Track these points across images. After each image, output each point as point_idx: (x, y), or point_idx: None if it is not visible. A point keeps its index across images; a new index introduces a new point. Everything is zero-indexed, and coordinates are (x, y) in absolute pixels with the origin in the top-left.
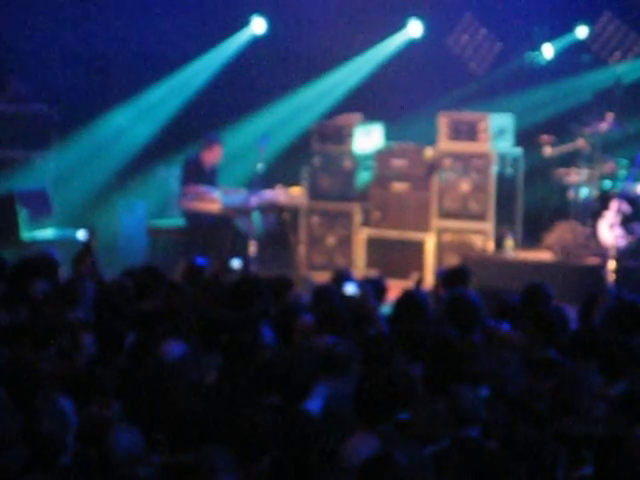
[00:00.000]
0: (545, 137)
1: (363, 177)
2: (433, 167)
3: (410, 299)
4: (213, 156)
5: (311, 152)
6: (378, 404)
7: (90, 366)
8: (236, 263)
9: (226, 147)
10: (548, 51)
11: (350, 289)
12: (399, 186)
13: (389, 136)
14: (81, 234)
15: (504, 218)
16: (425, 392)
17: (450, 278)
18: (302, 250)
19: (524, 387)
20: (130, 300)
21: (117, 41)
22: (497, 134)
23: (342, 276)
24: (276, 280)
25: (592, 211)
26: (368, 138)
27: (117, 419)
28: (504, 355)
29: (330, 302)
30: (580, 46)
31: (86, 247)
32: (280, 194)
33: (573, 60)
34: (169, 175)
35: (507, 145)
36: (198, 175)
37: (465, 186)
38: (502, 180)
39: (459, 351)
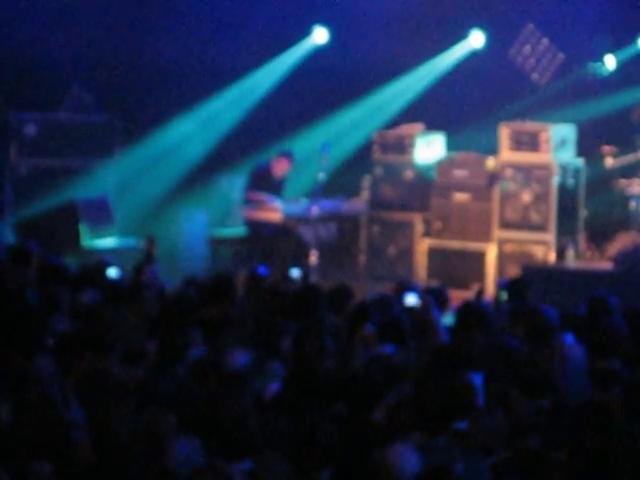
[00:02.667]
0: (607, 148)
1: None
2: (494, 177)
3: (471, 309)
4: (280, 168)
5: (372, 162)
6: (437, 414)
7: (152, 375)
8: (296, 273)
9: (293, 161)
10: (610, 62)
11: (411, 299)
12: (460, 196)
13: (450, 146)
14: (141, 243)
15: (565, 229)
16: (485, 403)
17: (512, 289)
18: (362, 260)
19: (587, 398)
20: (193, 309)
21: (179, 51)
22: (559, 145)
23: (404, 286)
24: (337, 290)
25: None
26: (429, 148)
27: (175, 430)
28: (568, 366)
29: (390, 312)
30: None
31: (146, 255)
32: (341, 204)
33: (635, 71)
34: (230, 185)
35: (569, 156)
36: (265, 183)
37: (526, 197)
38: (563, 191)
39: (520, 362)
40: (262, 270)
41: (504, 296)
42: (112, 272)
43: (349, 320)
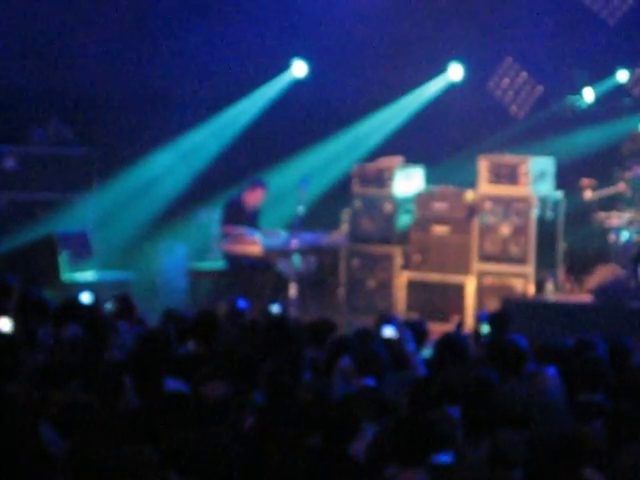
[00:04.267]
0: (586, 181)
1: (404, 220)
2: (473, 210)
3: (450, 342)
4: (255, 198)
5: (352, 195)
6: (415, 448)
7: (130, 408)
8: (275, 308)
9: (267, 189)
10: (589, 95)
11: (389, 332)
12: (439, 229)
13: (429, 179)
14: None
15: (545, 261)
16: (464, 436)
17: (494, 322)
18: (342, 293)
19: (568, 431)
20: (171, 343)
21: (158, 84)
22: (538, 177)
23: (385, 319)
24: (319, 323)
25: (633, 254)
26: (409, 181)
27: (155, 465)
28: (547, 399)
29: (368, 345)
30: (621, 90)
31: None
32: (321, 237)
33: (614, 104)
34: (209, 218)
35: (548, 188)
36: (238, 216)
37: (505, 229)
38: (543, 223)
39: (499, 395)
40: (242, 304)
41: (485, 329)
42: (86, 298)
43: (328, 353)
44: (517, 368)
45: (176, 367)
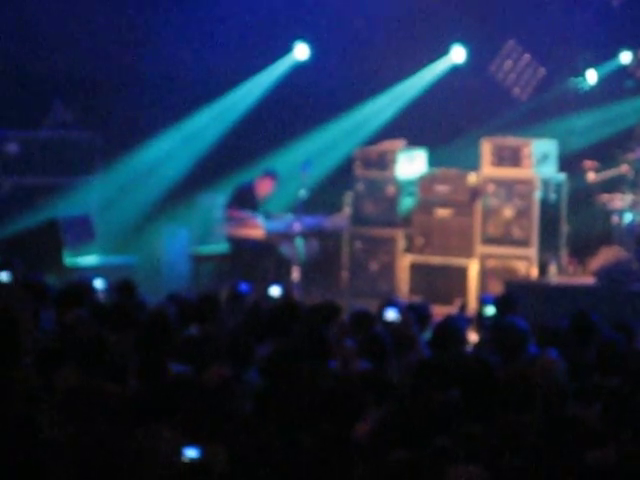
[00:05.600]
0: (589, 163)
1: (406, 203)
2: (476, 193)
3: (449, 325)
4: (264, 188)
5: (354, 178)
6: (420, 430)
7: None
8: (276, 290)
9: (277, 181)
10: (592, 77)
11: (391, 315)
12: (442, 212)
13: (432, 162)
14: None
15: (548, 244)
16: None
17: (499, 304)
18: (345, 276)
19: (569, 414)
20: (173, 326)
21: (161, 68)
22: (541, 160)
23: (388, 302)
24: (324, 306)
25: (636, 236)
26: (411, 164)
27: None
28: (548, 382)
29: (371, 328)
30: (624, 72)
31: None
32: (323, 220)
33: (617, 86)
34: (212, 202)
35: (551, 171)
36: (247, 202)
37: (508, 212)
38: (546, 206)
39: (498, 378)
40: (244, 287)
41: (489, 311)
42: (99, 284)
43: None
44: (518, 351)
45: (180, 350)
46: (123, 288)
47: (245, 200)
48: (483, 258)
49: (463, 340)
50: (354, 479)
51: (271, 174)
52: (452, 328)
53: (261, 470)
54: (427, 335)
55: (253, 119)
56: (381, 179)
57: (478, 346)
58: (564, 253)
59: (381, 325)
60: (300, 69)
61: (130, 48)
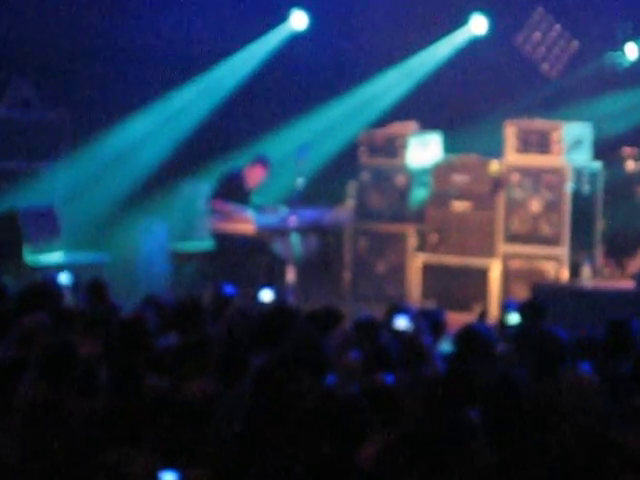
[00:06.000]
0: (628, 150)
1: (418, 195)
2: (499, 183)
3: (471, 334)
4: (254, 177)
5: (358, 166)
6: (426, 456)
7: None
8: (268, 294)
9: (269, 168)
10: (632, 51)
11: (402, 323)
12: (460, 205)
13: (448, 148)
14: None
15: (580, 242)
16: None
17: (525, 311)
18: (347, 278)
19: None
20: (149, 333)
21: (137, 37)
22: (573, 146)
23: (396, 309)
24: (322, 313)
25: None
26: (424, 150)
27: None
28: (580, 400)
29: (378, 337)
30: None
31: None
32: (323, 213)
33: None
34: (195, 192)
35: (584, 158)
36: (235, 193)
37: (536, 205)
38: (578, 198)
39: (527, 396)
40: (229, 289)
41: (512, 319)
42: (64, 279)
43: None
44: (556, 366)
45: (157, 361)
46: (93, 289)
47: (233, 190)
48: (506, 258)
49: (490, 353)
50: None
51: (262, 161)
52: (479, 339)
53: None
54: (441, 346)
55: (243, 97)
56: (389, 167)
57: (499, 359)
58: (599, 253)
59: (389, 335)
60: (297, 40)
61: (101, 13)
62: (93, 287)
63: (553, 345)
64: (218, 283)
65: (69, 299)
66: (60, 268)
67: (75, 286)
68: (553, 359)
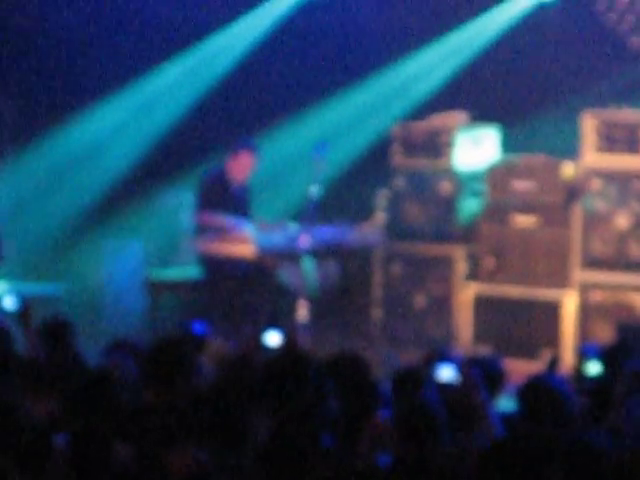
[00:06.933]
0: None
1: (469, 206)
2: (575, 192)
3: (539, 388)
4: (242, 169)
5: (391, 169)
6: None
7: None
8: (273, 336)
9: (264, 161)
10: None
11: (447, 374)
12: (523, 220)
13: (508, 145)
14: (8, 302)
15: None
16: None
17: (606, 359)
18: (377, 315)
19: None
20: (119, 389)
21: (104, 6)
22: None
23: (438, 355)
24: (341, 360)
25: None
26: (476, 148)
27: None
28: None
29: (416, 393)
30: None
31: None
32: (344, 232)
33: None
34: (177, 203)
35: None
36: (221, 198)
37: (622, 220)
38: None
39: (611, 467)
40: (198, 327)
41: (593, 368)
42: (8, 304)
43: (356, 404)
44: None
45: (127, 425)
46: (50, 332)
47: (217, 194)
48: (584, 289)
49: (564, 412)
50: None
51: (246, 145)
52: (548, 394)
53: None
54: (500, 404)
55: (239, 81)
56: (431, 171)
57: (576, 420)
58: None
59: (431, 388)
60: (310, 6)
61: None
62: (51, 328)
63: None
64: (186, 321)
65: (15, 336)
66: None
67: (22, 315)
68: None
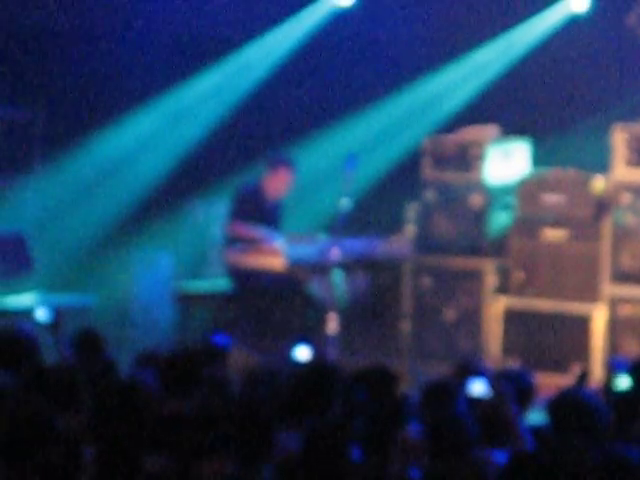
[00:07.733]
0: None
1: (499, 220)
2: (605, 206)
3: (569, 402)
4: (279, 185)
5: (421, 182)
6: None
7: None
8: (303, 350)
9: (295, 170)
10: None
11: (477, 388)
12: (553, 234)
13: (538, 159)
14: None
15: None
16: None
17: (635, 374)
18: (406, 328)
19: None
20: (149, 400)
21: (132, 14)
22: None
23: (469, 369)
24: (370, 373)
25: None
26: (507, 162)
27: None
28: None
29: (447, 406)
30: None
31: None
32: (374, 244)
33: None
34: (207, 216)
35: None
36: (256, 212)
37: None
38: None
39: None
40: (220, 339)
41: (623, 383)
42: (41, 316)
43: (385, 418)
44: None
45: (159, 435)
46: (83, 344)
47: (251, 208)
48: (614, 303)
49: (594, 426)
50: None
51: (283, 162)
52: (578, 408)
53: None
54: (530, 418)
55: (272, 92)
56: (461, 184)
57: (606, 434)
58: None
59: (462, 402)
60: (341, 19)
61: None
62: (83, 340)
63: None
64: (207, 333)
65: (49, 348)
66: (32, 314)
67: (55, 327)
68: None
